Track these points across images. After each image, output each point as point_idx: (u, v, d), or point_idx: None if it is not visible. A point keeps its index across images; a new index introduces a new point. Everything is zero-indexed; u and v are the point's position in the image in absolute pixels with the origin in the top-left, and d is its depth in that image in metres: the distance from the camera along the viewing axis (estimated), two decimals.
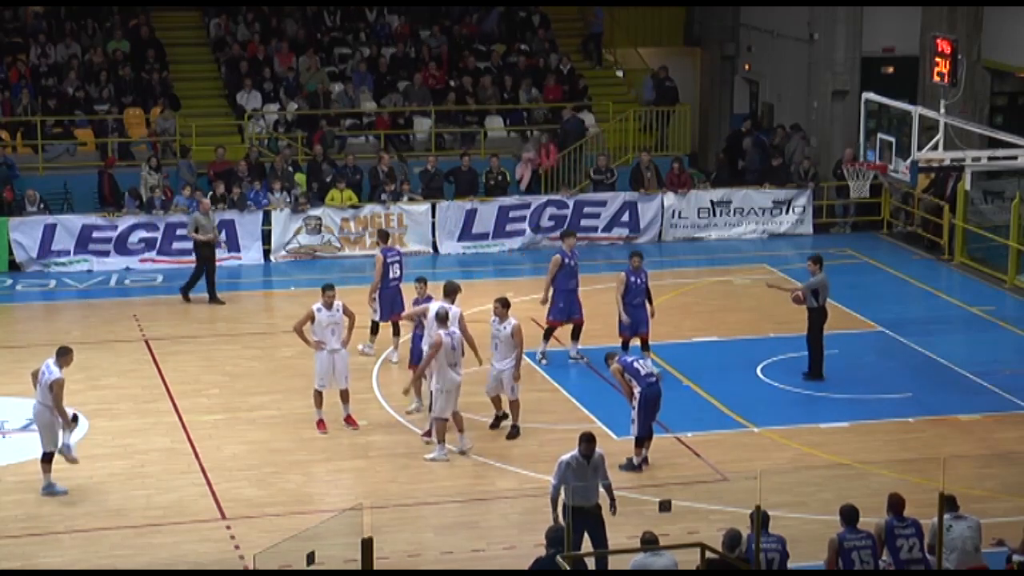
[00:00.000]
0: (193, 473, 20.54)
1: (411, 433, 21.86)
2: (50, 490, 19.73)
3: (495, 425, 21.95)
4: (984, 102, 33.88)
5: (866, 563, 15.43)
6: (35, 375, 19.90)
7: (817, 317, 23.85)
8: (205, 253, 28.31)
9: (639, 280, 23.91)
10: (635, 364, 20.42)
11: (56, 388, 19.42)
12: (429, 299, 22.19)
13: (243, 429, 22.13)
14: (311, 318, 21.74)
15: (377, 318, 24.79)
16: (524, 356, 21.82)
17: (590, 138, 35.28)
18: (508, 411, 21.84)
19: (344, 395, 21.98)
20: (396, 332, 24.76)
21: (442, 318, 21.00)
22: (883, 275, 30.52)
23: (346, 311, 21.86)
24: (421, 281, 22.68)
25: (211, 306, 28.02)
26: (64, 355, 19.84)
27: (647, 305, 24.03)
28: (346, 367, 21.90)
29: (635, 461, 20.44)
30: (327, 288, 21.98)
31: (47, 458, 19.75)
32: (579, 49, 38.95)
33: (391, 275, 24.65)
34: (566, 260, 24.63)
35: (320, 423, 21.95)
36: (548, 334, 24.89)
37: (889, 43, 35.51)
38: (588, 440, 17.31)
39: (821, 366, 23.94)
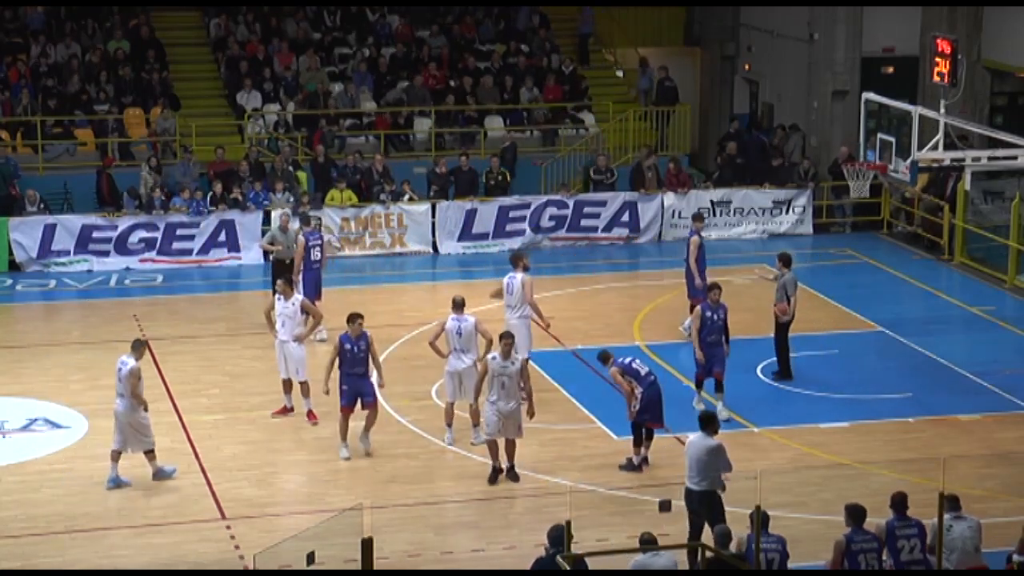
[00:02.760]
0: (193, 473, 20.54)
1: (411, 433, 21.86)
2: (116, 482, 20.05)
3: (493, 480, 20.29)
4: (984, 102, 33.89)
5: (871, 565, 15.38)
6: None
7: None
8: (277, 269, 26.95)
9: (716, 316, 22.39)
10: (633, 365, 20.39)
11: (131, 376, 19.78)
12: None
13: (243, 429, 22.14)
14: (272, 305, 22.39)
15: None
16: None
17: (590, 138, 35.32)
18: (506, 453, 20.33)
19: (303, 389, 22.28)
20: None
21: (457, 305, 21.25)
22: (883, 275, 30.52)
23: (311, 311, 22.61)
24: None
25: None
26: (137, 348, 20.23)
27: (724, 344, 22.50)
28: (296, 361, 22.14)
29: (635, 461, 20.44)
30: (284, 282, 22.59)
31: (116, 455, 20.11)
32: (575, 49, 38.93)
33: (313, 258, 25.72)
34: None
35: (281, 410, 22.37)
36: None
37: (889, 43, 35.52)
38: (711, 421, 17.68)
39: (788, 365, 23.92)
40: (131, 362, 19.88)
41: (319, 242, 26.08)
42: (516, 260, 23.51)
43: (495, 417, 19.93)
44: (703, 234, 26.32)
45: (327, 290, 26.34)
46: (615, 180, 33.56)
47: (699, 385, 22.64)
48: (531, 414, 20.25)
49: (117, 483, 20.02)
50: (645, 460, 20.53)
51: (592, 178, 33.69)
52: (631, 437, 20.59)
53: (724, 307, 22.47)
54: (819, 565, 16.01)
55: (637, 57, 39.21)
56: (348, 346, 20.82)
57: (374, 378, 21.25)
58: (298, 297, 22.47)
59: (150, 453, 20.14)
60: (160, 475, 20.22)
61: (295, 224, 27.03)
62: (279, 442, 21.62)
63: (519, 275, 23.09)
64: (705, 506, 17.28)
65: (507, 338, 20.14)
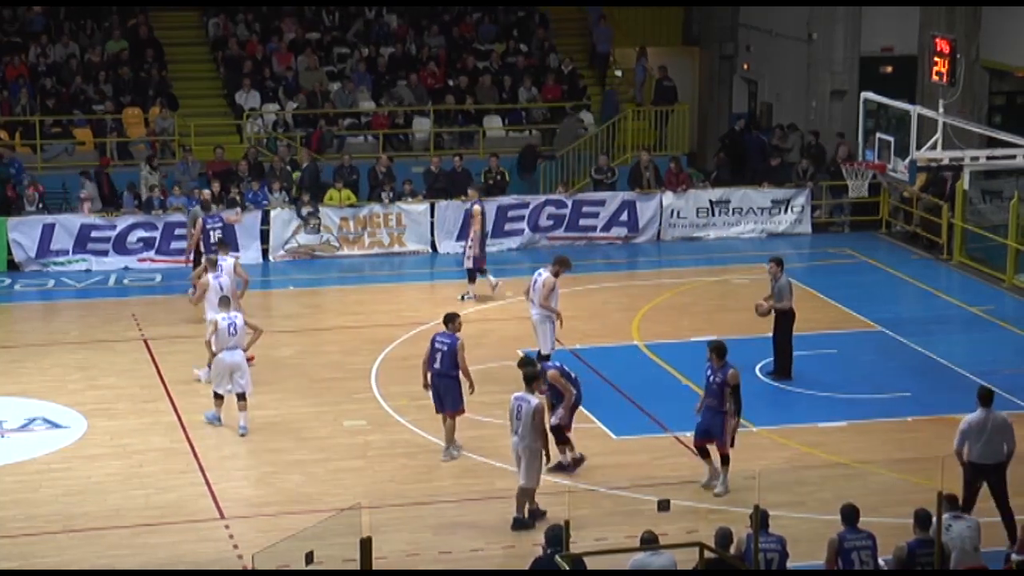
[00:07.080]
0: (192, 473, 20.53)
1: (410, 432, 21.85)
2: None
3: (525, 524, 18.73)
4: (983, 102, 33.89)
5: (866, 563, 15.38)
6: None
7: (785, 318, 23.84)
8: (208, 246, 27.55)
9: (713, 379, 19.54)
10: (566, 369, 20.39)
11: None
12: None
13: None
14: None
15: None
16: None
17: (590, 137, 35.31)
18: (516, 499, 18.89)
19: None
20: None
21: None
22: (882, 275, 30.51)
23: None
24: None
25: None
26: (225, 304, 22.13)
27: (728, 413, 19.59)
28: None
29: (564, 461, 20.26)
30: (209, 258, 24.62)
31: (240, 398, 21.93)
32: (585, 59, 38.78)
33: (212, 240, 26.66)
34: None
35: None
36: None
37: (888, 43, 35.54)
38: (991, 395, 18.47)
39: (790, 366, 23.89)
40: (240, 314, 21.84)
41: (219, 225, 27.34)
42: (556, 261, 23.72)
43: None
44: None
45: (327, 289, 26.34)
46: (615, 179, 33.58)
47: (702, 454, 19.90)
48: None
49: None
50: (580, 460, 20.36)
51: (593, 177, 33.69)
52: (629, 437, 20.55)
53: (728, 367, 19.49)
54: (818, 565, 16.00)
55: (635, 54, 39.20)
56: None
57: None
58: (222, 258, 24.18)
59: (244, 400, 21.62)
60: (243, 429, 21.70)
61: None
62: (279, 442, 21.61)
63: (546, 274, 23.29)
64: (996, 478, 18.05)
65: (528, 369, 19.14)
